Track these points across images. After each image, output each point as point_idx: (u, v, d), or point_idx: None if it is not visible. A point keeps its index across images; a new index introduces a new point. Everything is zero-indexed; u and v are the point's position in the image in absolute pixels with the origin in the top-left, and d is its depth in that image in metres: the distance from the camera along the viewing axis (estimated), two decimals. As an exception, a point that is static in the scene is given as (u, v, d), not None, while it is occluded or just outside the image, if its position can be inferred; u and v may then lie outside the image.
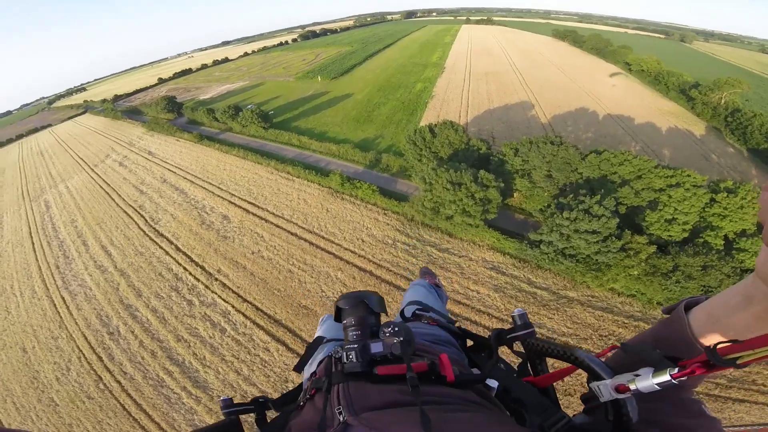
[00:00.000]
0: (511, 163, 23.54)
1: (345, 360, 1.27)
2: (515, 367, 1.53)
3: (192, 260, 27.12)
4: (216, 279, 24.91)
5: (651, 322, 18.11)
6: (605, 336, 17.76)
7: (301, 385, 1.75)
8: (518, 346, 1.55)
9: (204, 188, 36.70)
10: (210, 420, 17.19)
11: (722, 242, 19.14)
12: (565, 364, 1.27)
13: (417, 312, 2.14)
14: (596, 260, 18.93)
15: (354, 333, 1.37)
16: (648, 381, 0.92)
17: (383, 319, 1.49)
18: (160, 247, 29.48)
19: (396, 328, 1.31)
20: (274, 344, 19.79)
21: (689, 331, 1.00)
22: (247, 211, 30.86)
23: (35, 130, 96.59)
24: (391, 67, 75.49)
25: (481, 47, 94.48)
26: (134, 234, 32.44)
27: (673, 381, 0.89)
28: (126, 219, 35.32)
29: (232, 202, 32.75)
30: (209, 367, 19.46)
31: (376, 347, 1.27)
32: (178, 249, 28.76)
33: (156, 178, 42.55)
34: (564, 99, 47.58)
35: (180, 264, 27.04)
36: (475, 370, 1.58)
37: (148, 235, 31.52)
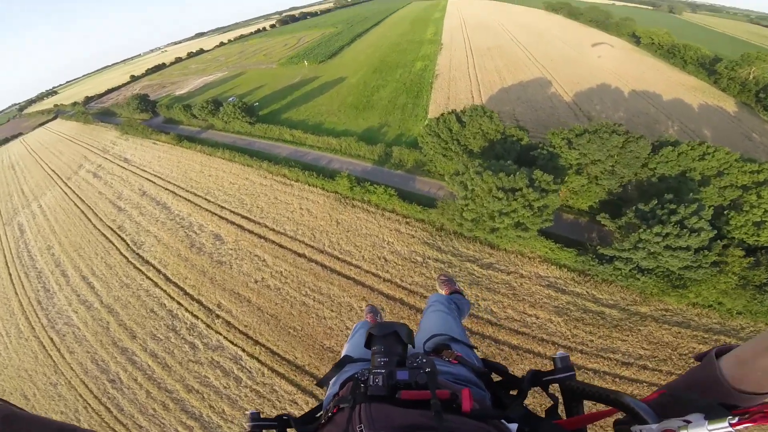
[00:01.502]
0: (565, 157, 19.16)
1: (371, 383, 1.32)
2: (545, 410, 1.49)
3: (186, 293, 22.82)
4: (217, 316, 20.72)
5: (731, 334, 16.15)
6: (685, 355, 15.26)
7: (321, 404, 1.83)
8: (554, 388, 1.49)
9: (189, 201, 31.75)
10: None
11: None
12: (601, 407, 1.25)
13: (438, 345, 2.17)
14: (680, 275, 15.89)
15: (382, 359, 1.43)
16: (702, 428, 0.87)
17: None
18: (147, 278, 25.12)
19: (423, 360, 1.43)
20: (302, 396, 16.11)
21: (720, 374, 1.01)
22: (242, 228, 26.12)
23: (5, 141, 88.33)
24: (384, 46, 69.40)
25: (475, 22, 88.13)
26: (116, 261, 27.93)
27: (731, 429, 0.85)
28: (105, 243, 30.66)
29: (223, 218, 27.92)
30: (232, 422, 16.14)
31: (401, 374, 1.33)
32: (167, 279, 24.38)
33: (134, 191, 37.46)
34: (581, 74, 43.08)
35: (173, 298, 22.80)
36: None
37: (131, 263, 27.05)
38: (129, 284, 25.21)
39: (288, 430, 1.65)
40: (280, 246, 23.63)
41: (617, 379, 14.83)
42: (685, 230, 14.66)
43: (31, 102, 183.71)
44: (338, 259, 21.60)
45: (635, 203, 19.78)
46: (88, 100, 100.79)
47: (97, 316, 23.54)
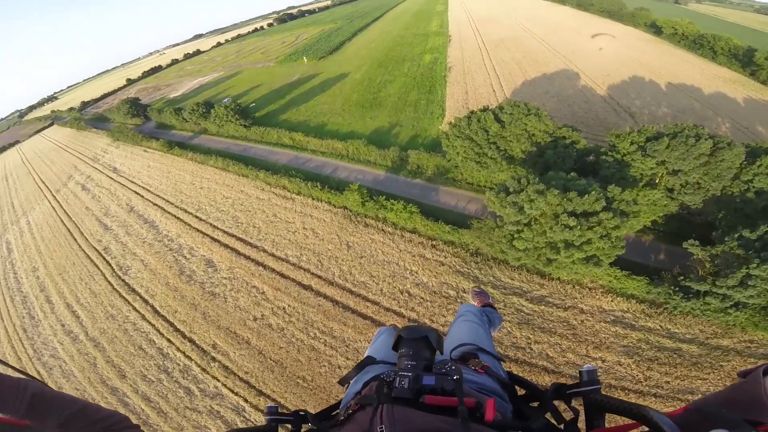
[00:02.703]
0: (637, 166, 15.19)
1: (396, 385, 1.32)
2: (564, 423, 1.45)
3: (176, 329, 19.67)
4: (213, 359, 17.57)
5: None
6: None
7: (338, 403, 1.85)
8: (577, 402, 1.47)
9: (178, 219, 28.18)
10: None
11: None
12: (624, 421, 1.23)
13: (465, 354, 2.14)
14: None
15: (409, 363, 1.43)
16: None
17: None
18: (134, 309, 22.01)
19: (452, 367, 1.41)
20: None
21: (764, 393, 0.95)
22: (237, 253, 22.38)
23: (2, 150, 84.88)
24: (387, 39, 65.32)
25: (481, 14, 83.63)
26: (101, 288, 24.86)
27: None
28: (90, 267, 27.56)
29: (215, 239, 24.20)
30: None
31: (428, 380, 1.32)
32: (156, 312, 21.19)
33: (122, 207, 34.17)
34: (610, 67, 39.06)
35: (162, 334, 19.70)
36: None
37: (117, 291, 23.99)
38: (115, 315, 22.22)
39: (304, 426, 1.62)
40: (282, 275, 19.86)
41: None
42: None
43: (32, 108, 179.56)
44: (351, 292, 17.80)
45: (716, 220, 16.24)
46: (85, 105, 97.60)
47: (83, 350, 20.86)
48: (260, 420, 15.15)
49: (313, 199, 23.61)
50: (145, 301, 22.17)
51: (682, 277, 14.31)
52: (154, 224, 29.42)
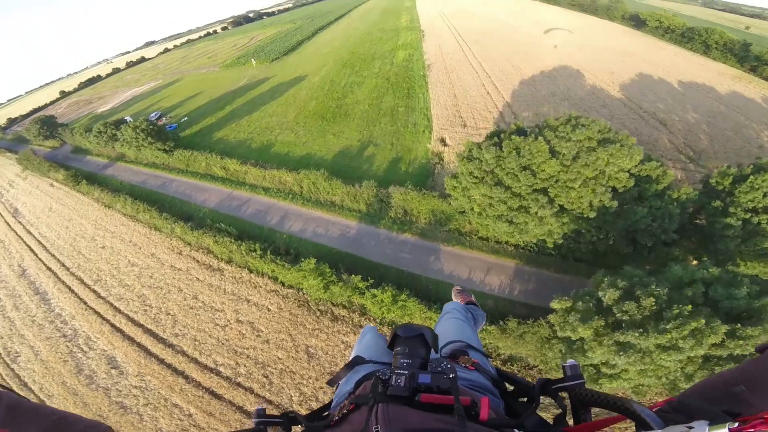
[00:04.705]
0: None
1: (393, 383, 1.28)
2: (554, 417, 1.45)
3: None
4: None
5: None
6: None
7: (329, 403, 1.76)
8: (563, 397, 1.44)
9: (73, 292, 20.34)
10: None
11: None
12: (608, 414, 1.23)
13: (455, 351, 2.06)
14: None
15: (404, 360, 1.39)
16: None
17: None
18: None
19: (448, 365, 1.38)
20: None
21: None
22: (148, 352, 14.73)
23: None
24: (353, 36, 57.99)
25: (452, 8, 78.13)
26: None
27: None
28: None
29: (117, 328, 16.44)
30: None
31: (424, 378, 1.30)
32: None
33: (13, 268, 25.46)
34: (611, 63, 34.28)
35: None
36: None
37: (6, 383, 16.85)
38: (13, 415, 14.14)
39: (294, 428, 1.53)
40: (213, 394, 12.44)
41: None
42: None
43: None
44: None
45: None
46: (11, 122, 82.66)
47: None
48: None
49: (250, 271, 15.89)
50: (41, 402, 14.46)
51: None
52: (45, 297, 21.57)
